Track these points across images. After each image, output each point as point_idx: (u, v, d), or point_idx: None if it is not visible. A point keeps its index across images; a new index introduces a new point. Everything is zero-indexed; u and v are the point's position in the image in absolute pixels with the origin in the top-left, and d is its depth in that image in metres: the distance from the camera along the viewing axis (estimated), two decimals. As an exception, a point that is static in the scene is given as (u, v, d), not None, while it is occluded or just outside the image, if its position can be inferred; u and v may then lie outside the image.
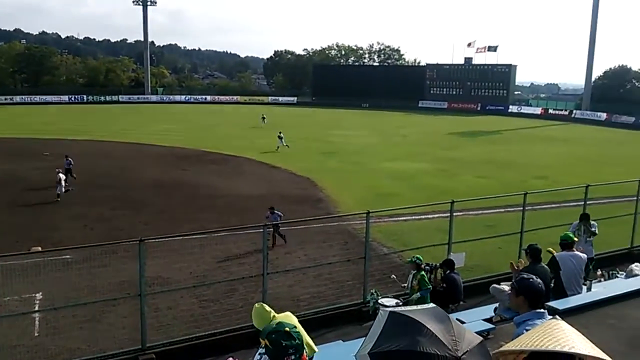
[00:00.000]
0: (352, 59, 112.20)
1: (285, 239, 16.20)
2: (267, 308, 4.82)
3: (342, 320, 10.39)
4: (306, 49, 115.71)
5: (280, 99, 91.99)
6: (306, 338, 4.82)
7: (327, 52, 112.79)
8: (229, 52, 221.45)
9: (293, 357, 3.20)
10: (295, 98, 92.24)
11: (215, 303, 11.85)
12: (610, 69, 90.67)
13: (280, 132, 37.76)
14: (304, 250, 15.91)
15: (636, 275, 9.95)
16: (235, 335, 9.63)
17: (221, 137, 42.75)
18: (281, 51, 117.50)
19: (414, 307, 3.75)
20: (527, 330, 3.28)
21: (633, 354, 5.79)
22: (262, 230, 10.74)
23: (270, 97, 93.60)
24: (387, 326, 3.31)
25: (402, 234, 17.14)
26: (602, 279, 10.71)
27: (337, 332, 9.54)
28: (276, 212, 16.60)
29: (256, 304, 4.89)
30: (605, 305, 7.68)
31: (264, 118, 53.56)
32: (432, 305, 3.78)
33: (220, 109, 74.24)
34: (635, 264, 11.14)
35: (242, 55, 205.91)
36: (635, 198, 15.25)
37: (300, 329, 4.53)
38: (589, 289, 8.50)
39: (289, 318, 4.62)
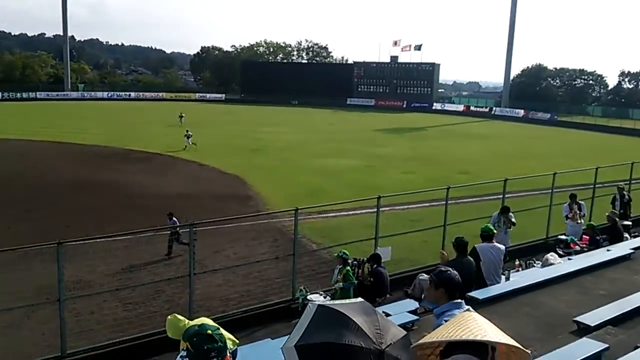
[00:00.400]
0: (281, 56, 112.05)
1: (170, 252, 15.07)
2: (180, 317, 4.76)
3: (271, 318, 10.34)
4: (234, 46, 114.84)
5: (208, 95, 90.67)
6: (226, 334, 4.78)
7: (255, 48, 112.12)
8: (153, 47, 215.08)
9: (215, 359, 3.16)
10: (224, 95, 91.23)
11: (140, 306, 11.50)
12: (528, 67, 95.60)
13: (187, 130, 36.31)
14: (233, 248, 15.75)
15: (551, 264, 10.46)
16: (160, 338, 9.38)
17: (146, 134, 41.56)
18: (208, 47, 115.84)
19: (343, 301, 3.81)
20: (446, 320, 3.36)
21: (546, 339, 6.09)
22: (188, 230, 10.53)
23: (197, 94, 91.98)
24: (314, 319, 3.33)
25: (331, 230, 17.29)
26: (520, 269, 11.18)
27: (266, 330, 9.49)
28: (174, 218, 15.71)
29: (169, 316, 4.83)
30: (522, 293, 8.06)
31: (181, 117, 49.31)
32: (359, 299, 3.84)
33: (145, 106, 72.22)
34: (551, 253, 11.71)
35: (168, 51, 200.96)
36: (550, 191, 16.04)
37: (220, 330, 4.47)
38: (507, 279, 8.86)
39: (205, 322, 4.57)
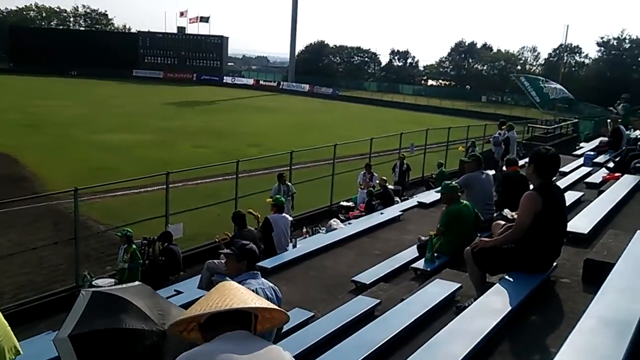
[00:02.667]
0: (55, 22, 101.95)
1: None
2: None
3: (53, 309, 9.55)
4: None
5: (-33, 64, 79.34)
6: (12, 341, 4.37)
7: (24, 13, 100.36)
8: None
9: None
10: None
11: None
12: (311, 44, 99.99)
13: None
14: (7, 236, 14.16)
15: (334, 229, 11.26)
16: None
17: None
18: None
19: (121, 286, 3.70)
20: (245, 289, 3.47)
21: (329, 299, 6.60)
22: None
23: (-47, 63, 79.93)
24: (89, 306, 3.18)
25: (120, 209, 16.46)
26: (307, 236, 11.87)
27: (48, 321, 8.75)
28: None
29: None
30: (309, 259, 8.59)
31: None
32: (137, 282, 3.77)
33: None
34: (334, 219, 12.64)
35: None
36: (332, 161, 17.16)
37: (4, 328, 4.07)
38: (294, 246, 9.37)
39: None
